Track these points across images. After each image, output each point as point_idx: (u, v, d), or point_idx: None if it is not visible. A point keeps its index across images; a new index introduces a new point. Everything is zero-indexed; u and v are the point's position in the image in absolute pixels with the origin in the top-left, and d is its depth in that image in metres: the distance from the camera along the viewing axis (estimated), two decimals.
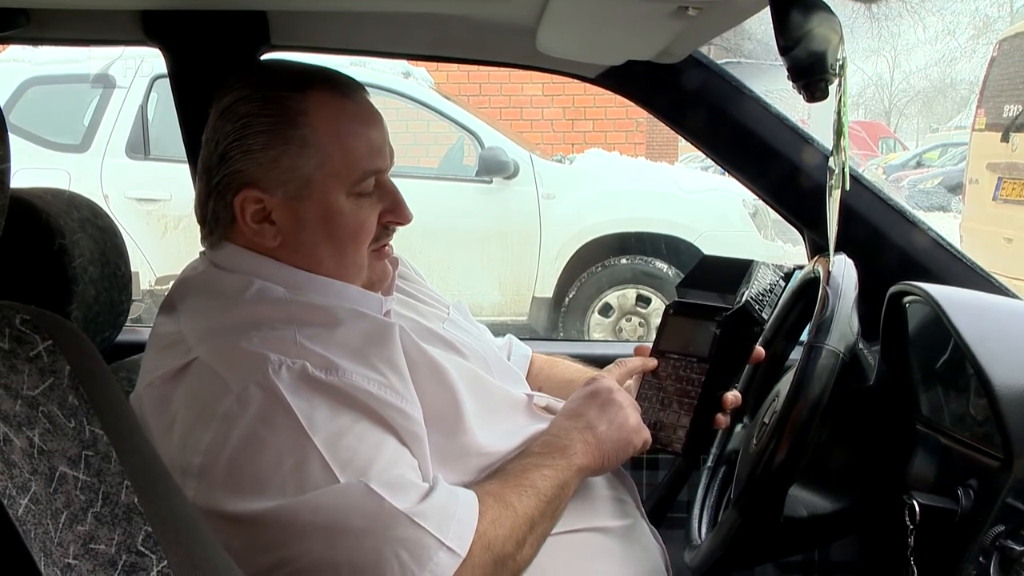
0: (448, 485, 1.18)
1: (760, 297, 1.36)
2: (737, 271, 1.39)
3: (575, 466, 1.26)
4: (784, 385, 1.38)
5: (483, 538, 1.14)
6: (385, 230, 1.32)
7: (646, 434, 1.33)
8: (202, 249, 1.34)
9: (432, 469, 1.20)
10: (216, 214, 1.28)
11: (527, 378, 1.59)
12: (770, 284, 1.38)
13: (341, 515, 1.09)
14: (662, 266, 5.60)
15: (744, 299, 1.34)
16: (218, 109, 1.27)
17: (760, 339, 1.56)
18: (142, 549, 0.87)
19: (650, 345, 1.43)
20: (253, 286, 1.24)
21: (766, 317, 1.36)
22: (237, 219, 1.26)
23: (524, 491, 1.21)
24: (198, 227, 1.33)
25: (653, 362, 1.40)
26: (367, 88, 1.34)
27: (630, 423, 1.31)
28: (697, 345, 1.36)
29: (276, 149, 1.23)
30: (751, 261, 1.40)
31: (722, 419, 1.38)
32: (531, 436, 1.33)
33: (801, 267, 1.51)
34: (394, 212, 1.31)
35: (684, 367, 1.36)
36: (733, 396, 1.38)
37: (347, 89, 1.29)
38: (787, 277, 1.41)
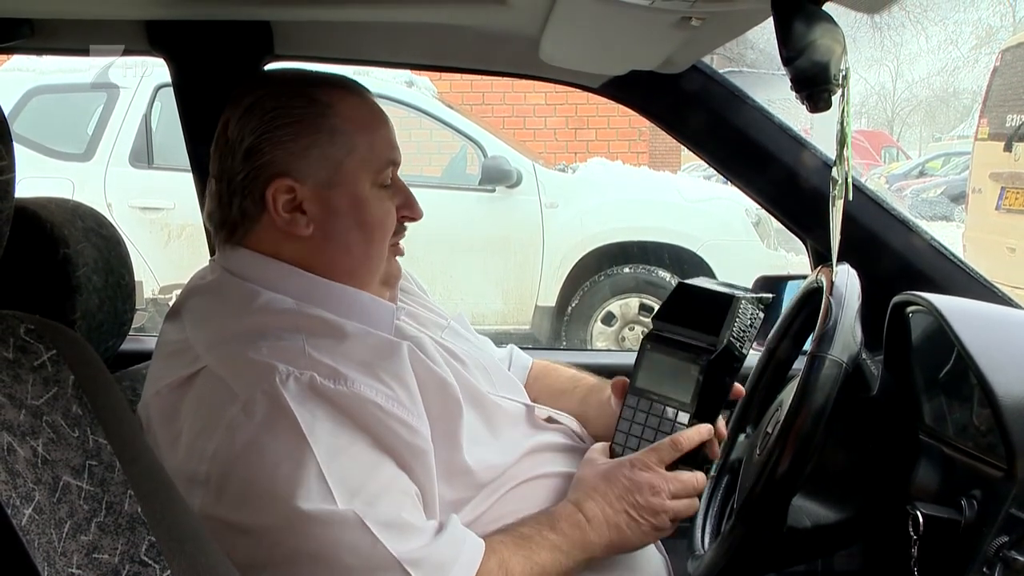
0: (459, 533, 1.18)
1: (741, 334, 1.36)
2: (717, 307, 1.37)
3: (587, 559, 1.27)
4: (787, 395, 1.38)
5: None
6: (399, 226, 1.34)
7: (668, 533, 1.32)
8: (211, 258, 1.34)
9: (437, 488, 1.20)
10: (243, 210, 1.27)
11: (524, 386, 1.59)
12: (751, 319, 1.37)
13: (332, 548, 1.10)
14: (665, 275, 5.58)
15: (726, 340, 1.34)
16: (238, 110, 1.27)
17: (764, 349, 1.56)
18: (145, 559, 0.87)
19: (625, 380, 1.42)
20: (261, 297, 1.25)
21: (746, 353, 1.36)
22: (269, 210, 1.26)
23: (531, 567, 1.21)
24: (202, 236, 1.34)
25: (707, 431, 1.34)
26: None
27: (657, 529, 1.30)
28: (678, 389, 1.35)
29: (308, 138, 1.25)
30: (732, 297, 1.37)
31: (716, 451, 1.39)
32: (532, 447, 1.33)
33: (774, 297, 1.50)
34: (407, 207, 1.33)
35: (663, 411, 1.35)
36: (721, 431, 1.38)
37: (359, 90, 1.32)
38: (766, 308, 1.40)
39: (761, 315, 1.39)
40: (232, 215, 1.29)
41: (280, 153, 1.25)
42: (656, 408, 1.36)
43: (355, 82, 1.33)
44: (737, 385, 1.41)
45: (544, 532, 1.25)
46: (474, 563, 1.16)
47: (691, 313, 1.39)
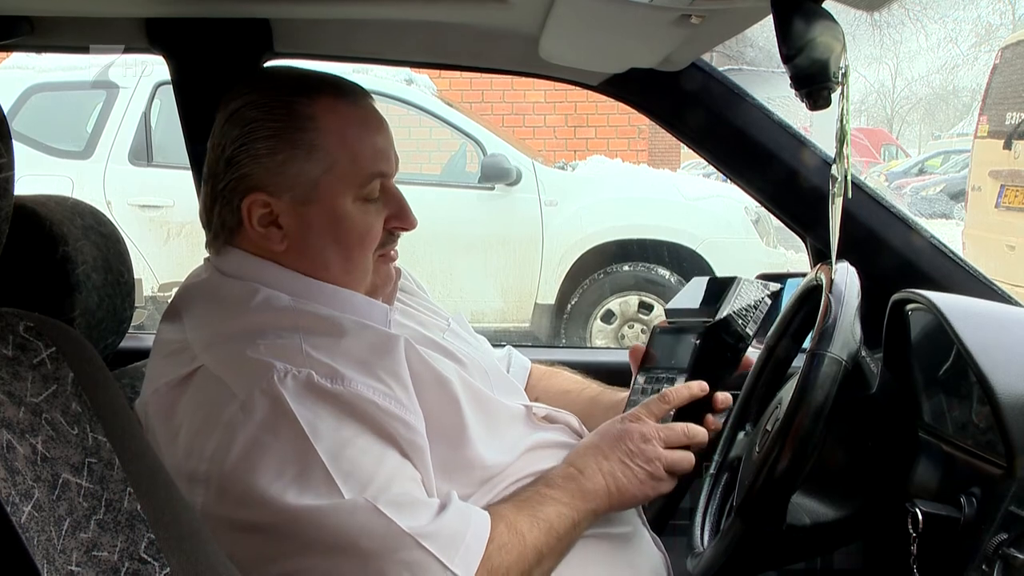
0: (462, 505, 1.18)
1: (744, 312, 1.37)
2: (723, 288, 1.41)
3: (591, 509, 1.27)
4: (787, 392, 1.38)
5: (488, 563, 1.15)
6: (390, 236, 1.33)
7: (667, 487, 1.32)
8: (206, 255, 1.34)
9: (436, 482, 1.20)
10: (222, 219, 1.28)
11: (525, 388, 1.59)
12: (755, 301, 1.39)
13: (347, 534, 1.10)
14: (664, 273, 5.59)
15: (726, 313, 1.35)
16: (225, 113, 1.27)
17: (763, 347, 1.56)
18: (144, 556, 0.87)
19: (643, 345, 1.46)
20: (259, 294, 1.24)
21: (750, 332, 1.37)
22: (244, 223, 1.26)
23: (538, 523, 1.21)
24: (201, 234, 1.34)
25: (701, 387, 1.35)
26: (372, 94, 1.34)
27: (653, 478, 1.30)
28: (678, 357, 1.39)
29: (284, 153, 1.23)
30: (735, 277, 1.42)
31: (712, 419, 1.38)
32: (531, 445, 1.33)
33: (782, 289, 1.51)
34: (399, 218, 1.31)
35: (667, 381, 1.38)
36: (723, 396, 1.39)
37: (353, 95, 1.30)
38: (774, 296, 1.42)
39: (768, 300, 1.41)
40: (214, 221, 1.29)
41: (256, 167, 1.24)
42: (660, 379, 1.39)
43: (351, 86, 1.30)
44: (748, 356, 1.41)
45: (541, 490, 1.26)
46: (484, 530, 1.17)
47: (698, 299, 1.43)
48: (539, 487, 1.27)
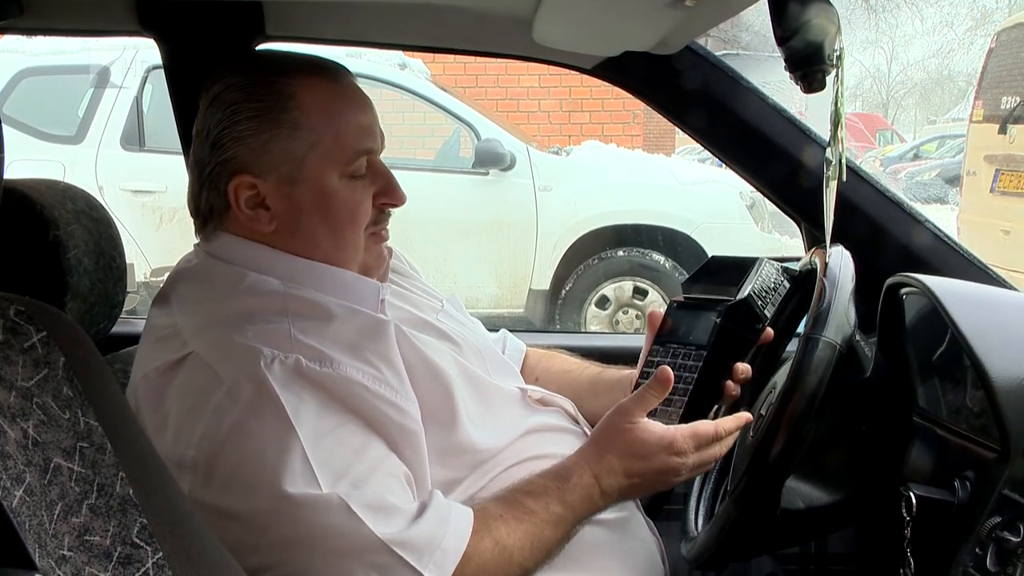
0: (443, 507, 1.17)
1: (763, 293, 1.36)
2: (742, 267, 1.40)
3: (590, 520, 1.27)
4: (781, 377, 1.38)
5: (464, 570, 1.14)
6: (380, 213, 1.32)
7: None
8: (196, 241, 1.33)
9: (429, 468, 1.20)
10: (210, 204, 1.28)
11: (523, 372, 1.59)
12: (774, 283, 1.39)
13: (318, 532, 1.09)
14: (659, 258, 5.59)
15: (747, 293, 1.35)
16: (207, 98, 1.27)
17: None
18: (137, 541, 0.87)
19: (660, 312, 1.45)
20: (247, 279, 1.24)
21: (768, 315, 1.37)
22: (231, 206, 1.26)
23: (526, 534, 1.20)
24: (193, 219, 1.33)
25: (745, 417, 1.34)
26: (365, 79, 1.34)
27: (662, 484, 1.29)
28: (697, 334, 1.37)
29: (267, 133, 1.23)
30: (757, 258, 1.41)
31: (732, 385, 1.37)
32: (527, 428, 1.33)
33: (799, 273, 1.51)
34: (388, 194, 1.31)
35: (683, 355, 1.37)
36: (743, 366, 1.37)
37: (334, 73, 1.29)
38: (792, 280, 1.41)
39: (786, 284, 1.41)
40: (202, 207, 1.29)
41: (241, 149, 1.24)
42: (676, 352, 1.37)
43: (332, 65, 1.30)
44: (769, 329, 1.40)
45: (552, 507, 1.22)
46: (463, 535, 1.15)
47: (716, 276, 1.43)
48: (550, 502, 1.23)
